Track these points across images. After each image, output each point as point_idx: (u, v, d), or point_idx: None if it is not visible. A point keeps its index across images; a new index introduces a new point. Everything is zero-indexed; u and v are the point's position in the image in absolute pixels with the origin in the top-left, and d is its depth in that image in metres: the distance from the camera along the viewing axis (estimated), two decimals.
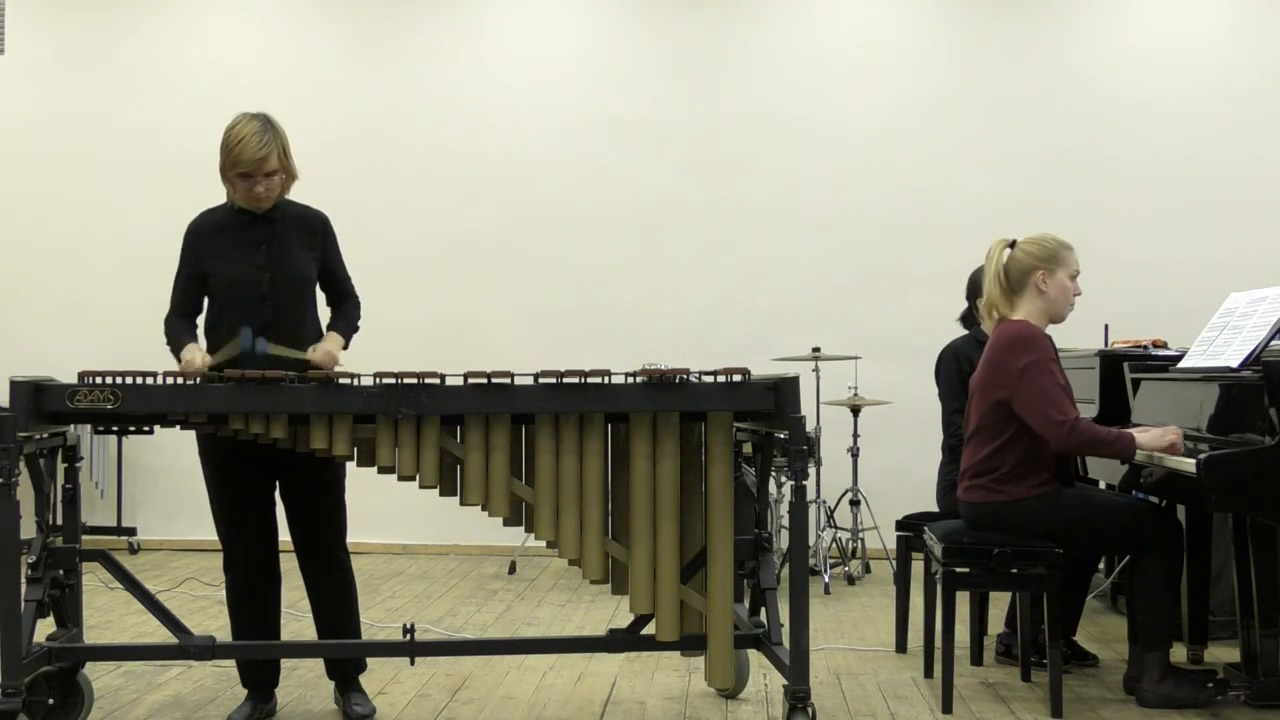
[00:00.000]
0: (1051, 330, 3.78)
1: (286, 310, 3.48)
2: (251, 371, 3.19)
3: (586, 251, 6.79)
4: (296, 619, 4.64)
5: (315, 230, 3.61)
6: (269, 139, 3.41)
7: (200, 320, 3.60)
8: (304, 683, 3.98)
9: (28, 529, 3.31)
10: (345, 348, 3.60)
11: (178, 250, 3.57)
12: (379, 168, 6.85)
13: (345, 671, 3.65)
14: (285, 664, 4.13)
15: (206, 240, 3.51)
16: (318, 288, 3.65)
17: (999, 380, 3.65)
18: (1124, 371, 4.35)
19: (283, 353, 3.42)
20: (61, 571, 3.36)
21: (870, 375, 6.28)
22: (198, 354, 3.40)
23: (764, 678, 4.05)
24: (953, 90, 6.70)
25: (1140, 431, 3.64)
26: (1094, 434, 3.55)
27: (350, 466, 3.43)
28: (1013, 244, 3.80)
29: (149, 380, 3.17)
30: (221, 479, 3.50)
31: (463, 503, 3.27)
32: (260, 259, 3.48)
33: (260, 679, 3.61)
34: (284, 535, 3.62)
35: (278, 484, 3.59)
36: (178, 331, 3.52)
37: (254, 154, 3.38)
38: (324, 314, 3.70)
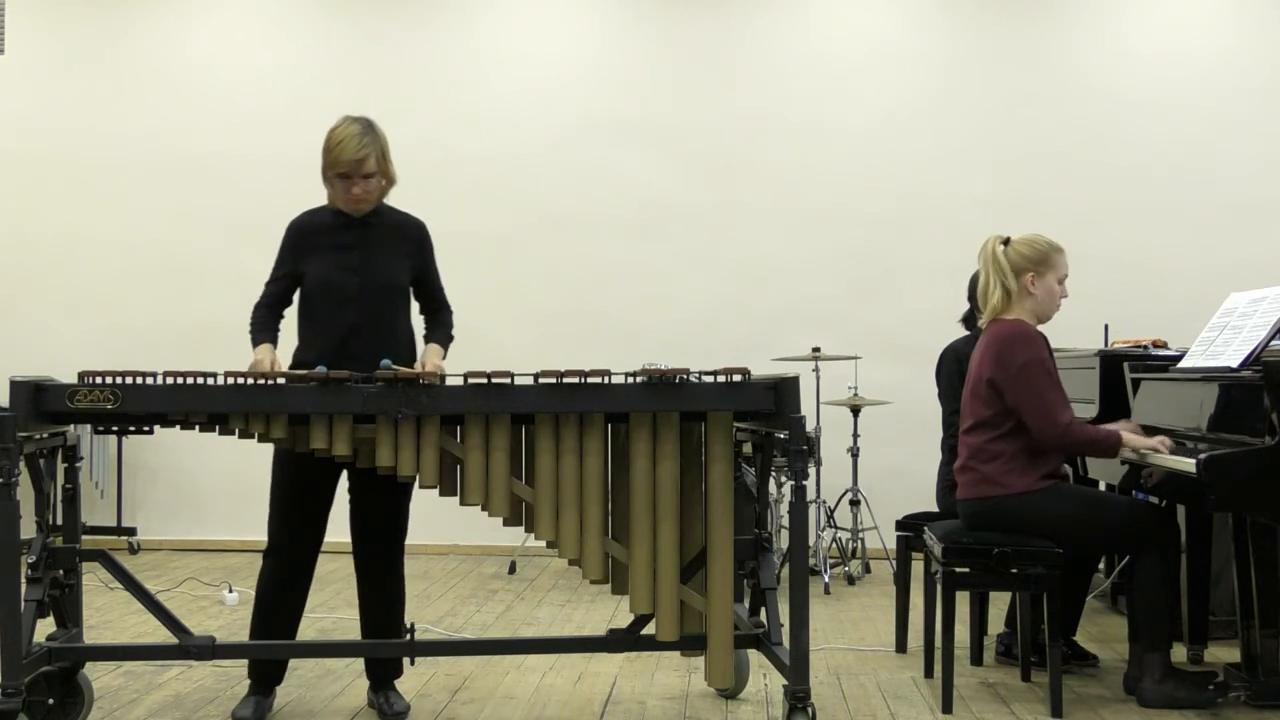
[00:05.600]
0: (1049, 329, 3.82)
1: (373, 315, 3.50)
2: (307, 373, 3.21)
3: (586, 252, 6.79)
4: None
5: (411, 238, 3.64)
6: (369, 141, 3.45)
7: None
8: (304, 682, 3.98)
9: (28, 529, 3.32)
10: (444, 357, 3.64)
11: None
12: None
13: (384, 672, 3.67)
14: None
15: (304, 239, 3.56)
16: (411, 295, 3.67)
17: (997, 376, 3.68)
18: (1124, 371, 4.35)
19: (401, 370, 3.47)
20: (61, 571, 3.36)
21: (870, 375, 6.28)
22: (267, 357, 3.43)
23: (764, 678, 4.05)
24: (953, 90, 6.70)
25: (1129, 433, 3.73)
26: (1085, 434, 3.68)
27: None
28: (1007, 241, 3.83)
29: (149, 380, 3.17)
30: (287, 467, 3.50)
31: (463, 503, 3.27)
32: (352, 262, 3.51)
33: (267, 673, 3.61)
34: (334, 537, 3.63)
35: (347, 482, 3.58)
36: (259, 325, 3.57)
37: (353, 154, 3.41)
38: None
